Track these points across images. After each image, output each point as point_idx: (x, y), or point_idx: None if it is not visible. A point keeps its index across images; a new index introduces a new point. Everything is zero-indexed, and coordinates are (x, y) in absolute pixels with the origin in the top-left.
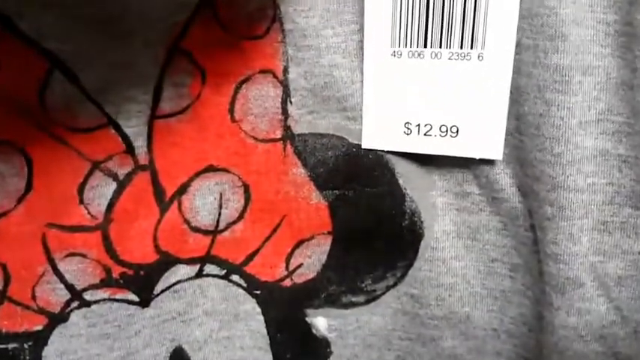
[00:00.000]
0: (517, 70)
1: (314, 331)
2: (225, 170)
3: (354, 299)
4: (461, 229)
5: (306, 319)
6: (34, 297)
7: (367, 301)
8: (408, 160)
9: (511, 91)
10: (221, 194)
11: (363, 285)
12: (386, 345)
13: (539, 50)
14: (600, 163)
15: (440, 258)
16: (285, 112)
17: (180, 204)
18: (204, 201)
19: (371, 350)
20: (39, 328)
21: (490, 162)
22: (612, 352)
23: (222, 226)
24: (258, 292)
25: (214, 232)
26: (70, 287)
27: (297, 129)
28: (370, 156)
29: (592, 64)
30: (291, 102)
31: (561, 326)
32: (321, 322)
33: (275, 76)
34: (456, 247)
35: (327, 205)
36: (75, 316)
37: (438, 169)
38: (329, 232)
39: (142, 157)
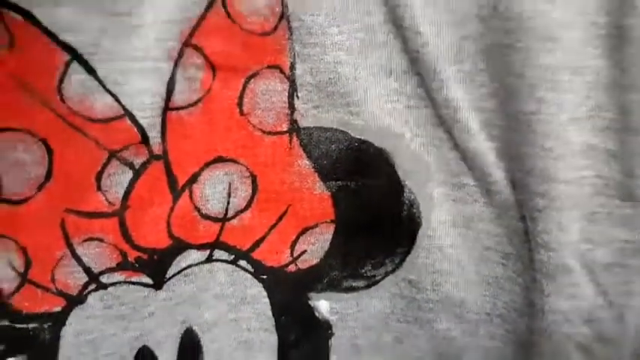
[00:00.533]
0: (507, 70)
1: (316, 314)
2: (234, 161)
3: (354, 284)
4: (456, 219)
5: (310, 302)
6: (53, 280)
7: (367, 286)
8: (407, 153)
9: (502, 90)
10: (230, 184)
11: (364, 271)
12: (384, 327)
13: (530, 51)
14: (589, 157)
15: (436, 246)
16: (291, 106)
17: (191, 192)
18: (214, 190)
19: (370, 332)
20: (58, 309)
21: (484, 156)
22: (599, 336)
23: (230, 214)
24: (264, 276)
25: (223, 220)
26: (87, 270)
27: (303, 122)
28: (371, 150)
29: (582, 64)
30: (297, 96)
31: (551, 311)
32: (323, 305)
33: (282, 72)
34: (452, 236)
35: (330, 195)
36: (92, 298)
37: (436, 162)
38: (332, 221)
39: (157, 148)
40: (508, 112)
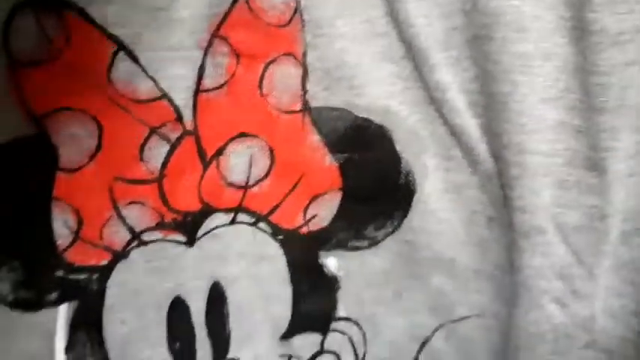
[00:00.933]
0: (486, 58)
1: (325, 270)
2: (255, 136)
3: (358, 244)
4: (447, 186)
5: (319, 260)
6: (101, 237)
7: (370, 246)
8: (404, 129)
9: (482, 74)
10: (251, 156)
11: (367, 232)
12: (385, 282)
13: (506, 41)
14: (559, 132)
15: (429, 210)
16: (304, 88)
17: (218, 163)
18: (237, 161)
19: (372, 286)
20: (104, 262)
21: (470, 132)
22: (572, 291)
23: (251, 182)
24: (280, 237)
25: (245, 187)
26: (130, 229)
27: (314, 103)
28: (372, 126)
29: (551, 51)
30: (309, 80)
31: (527, 266)
32: (331, 262)
33: (296, 59)
34: (443, 201)
35: (338, 166)
36: (134, 254)
37: (429, 136)
38: (339, 189)
39: (189, 124)
40: (489, 94)
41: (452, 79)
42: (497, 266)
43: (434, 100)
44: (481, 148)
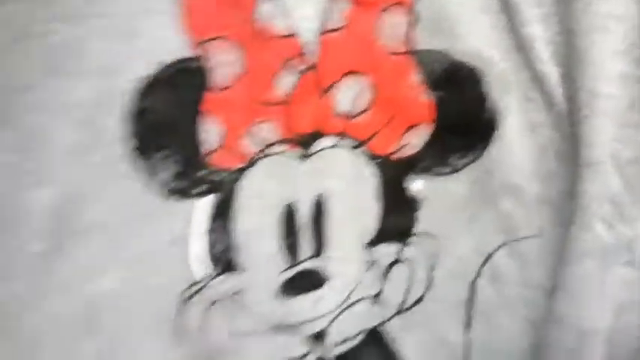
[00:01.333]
0: (570, 15)
1: (410, 192)
2: (363, 74)
3: (441, 170)
4: (525, 124)
5: (406, 182)
6: (238, 146)
7: (451, 172)
8: (493, 72)
9: (565, 30)
10: (358, 91)
11: (450, 160)
12: (461, 205)
13: (590, 3)
14: (624, 81)
15: (507, 144)
16: (410, 34)
17: (330, 95)
18: (346, 94)
19: (449, 208)
20: (238, 167)
21: (550, 77)
22: (619, 213)
23: (355, 112)
24: (375, 161)
25: (349, 117)
26: (260, 142)
27: (417, 47)
28: (465, 69)
29: (625, 13)
30: (415, 27)
31: (584, 192)
32: (416, 185)
33: (406, 7)
34: (520, 137)
35: (432, 102)
36: (260, 163)
37: (514, 79)
38: (432, 121)
39: (312, 60)
40: (570, 46)
41: (541, 33)
42: (559, 193)
43: (522, 49)
44: (557, 91)
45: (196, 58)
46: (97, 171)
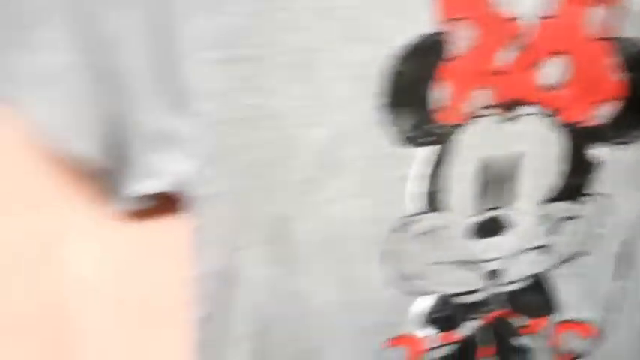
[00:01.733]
0: None
1: (590, 157)
2: (567, 54)
3: (621, 140)
4: None
5: (588, 149)
6: (461, 106)
7: (628, 143)
8: None
9: None
10: (560, 68)
11: (631, 133)
12: (632, 175)
13: None
14: None
15: None
16: (614, 23)
17: (537, 70)
18: (550, 70)
19: (623, 175)
20: (456, 124)
21: None
22: None
23: (554, 87)
24: (565, 128)
25: (550, 90)
26: (476, 105)
27: (617, 34)
28: None
29: None
30: (621, 19)
31: None
32: (598, 152)
33: (614, 3)
34: None
35: (625, 81)
36: (472, 122)
37: None
38: (622, 98)
39: (528, 40)
40: None
41: None
42: None
43: None
44: None
45: (442, 33)
46: (359, 118)
